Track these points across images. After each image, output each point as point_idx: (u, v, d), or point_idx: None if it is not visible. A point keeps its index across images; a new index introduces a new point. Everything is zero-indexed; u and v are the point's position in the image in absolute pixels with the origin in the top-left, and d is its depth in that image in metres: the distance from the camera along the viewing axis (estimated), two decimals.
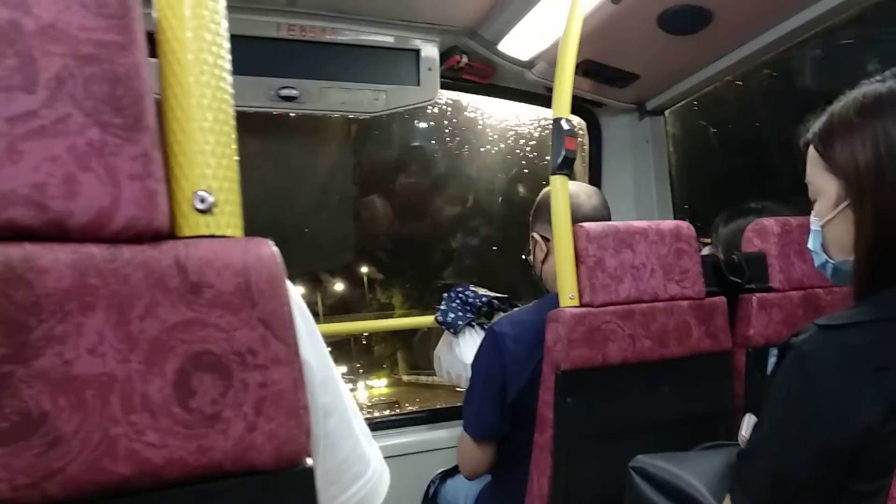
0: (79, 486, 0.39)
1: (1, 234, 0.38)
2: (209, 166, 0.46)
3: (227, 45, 0.48)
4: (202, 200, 0.45)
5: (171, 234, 0.44)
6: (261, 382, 0.44)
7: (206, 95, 0.46)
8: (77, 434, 0.39)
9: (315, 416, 0.52)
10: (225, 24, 0.48)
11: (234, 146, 0.47)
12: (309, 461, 0.46)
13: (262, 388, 0.44)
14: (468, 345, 1.88)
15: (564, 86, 1.39)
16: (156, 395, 0.41)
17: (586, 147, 2.36)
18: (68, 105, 0.40)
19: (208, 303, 0.42)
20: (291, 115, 1.96)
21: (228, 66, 0.48)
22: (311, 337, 0.53)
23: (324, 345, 0.55)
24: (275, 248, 0.46)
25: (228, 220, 0.46)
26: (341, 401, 0.56)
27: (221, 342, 0.42)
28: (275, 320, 0.44)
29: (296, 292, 0.54)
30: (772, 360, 1.51)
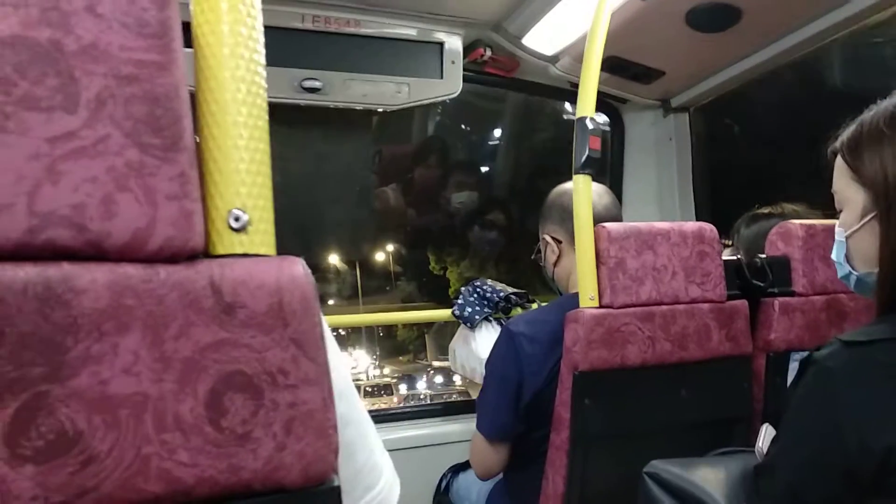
0: None
1: (41, 254, 0.38)
2: (244, 184, 0.46)
3: (264, 72, 0.48)
4: (237, 219, 0.45)
5: (205, 252, 0.44)
6: (291, 402, 0.44)
7: (241, 113, 0.46)
8: (111, 453, 0.39)
9: None
10: (261, 41, 0.48)
11: (268, 164, 0.47)
12: (336, 480, 0.46)
13: (292, 408, 0.44)
14: (484, 339, 1.88)
15: (590, 84, 1.38)
16: (188, 415, 0.41)
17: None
18: (108, 125, 0.40)
19: (241, 323, 0.42)
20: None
21: (265, 84, 0.48)
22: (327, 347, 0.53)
23: (339, 353, 0.55)
24: (307, 268, 0.46)
25: (262, 238, 0.47)
26: (357, 410, 0.56)
27: (253, 362, 0.43)
28: (306, 340, 0.44)
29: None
30: (793, 366, 1.50)
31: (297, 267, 0.45)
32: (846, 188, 0.94)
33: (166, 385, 0.41)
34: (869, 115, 0.91)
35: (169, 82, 0.41)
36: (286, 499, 0.44)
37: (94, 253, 0.40)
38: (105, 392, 0.39)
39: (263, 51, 0.48)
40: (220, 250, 0.45)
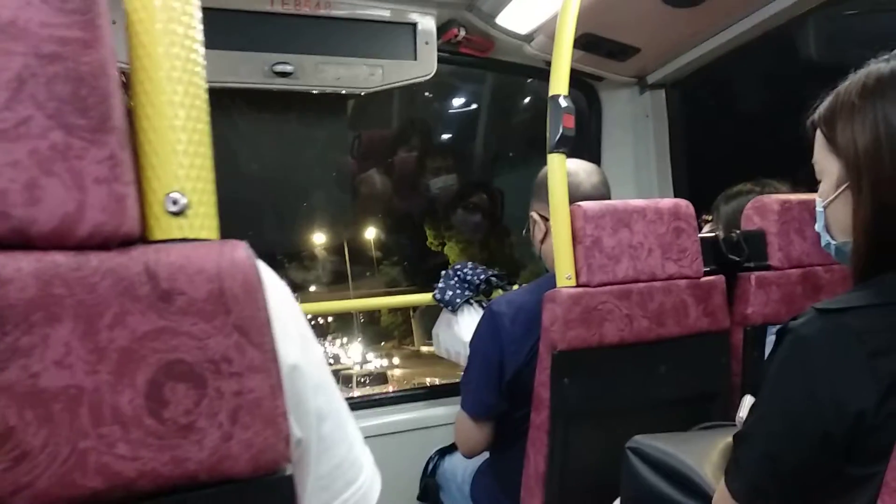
0: (48, 500, 0.38)
1: None
2: (182, 166, 0.44)
3: (202, 49, 0.45)
4: (175, 202, 0.44)
5: (142, 237, 0.43)
6: (236, 391, 0.43)
7: (177, 92, 0.44)
8: (45, 448, 0.38)
9: (308, 421, 0.51)
10: (198, 16, 0.46)
11: (208, 145, 0.46)
12: (288, 468, 0.45)
13: (237, 397, 0.43)
14: (467, 323, 1.88)
15: (562, 62, 1.37)
16: (126, 407, 0.40)
17: None
18: (30, 107, 0.38)
19: (180, 310, 0.41)
20: None
21: (202, 62, 0.46)
22: (302, 339, 0.51)
23: (317, 346, 0.54)
24: (250, 251, 0.44)
25: (202, 221, 0.45)
26: (335, 404, 0.55)
27: (194, 351, 0.41)
28: (250, 326, 0.43)
29: (288, 292, 0.52)
30: (770, 339, 1.50)
31: (239, 251, 0.44)
32: (823, 159, 0.95)
33: (102, 376, 0.39)
34: (843, 86, 0.92)
35: (94, 60, 0.39)
36: (235, 489, 0.43)
37: (20, 241, 0.38)
38: (36, 385, 0.38)
39: (200, 27, 0.46)
40: (159, 235, 0.44)
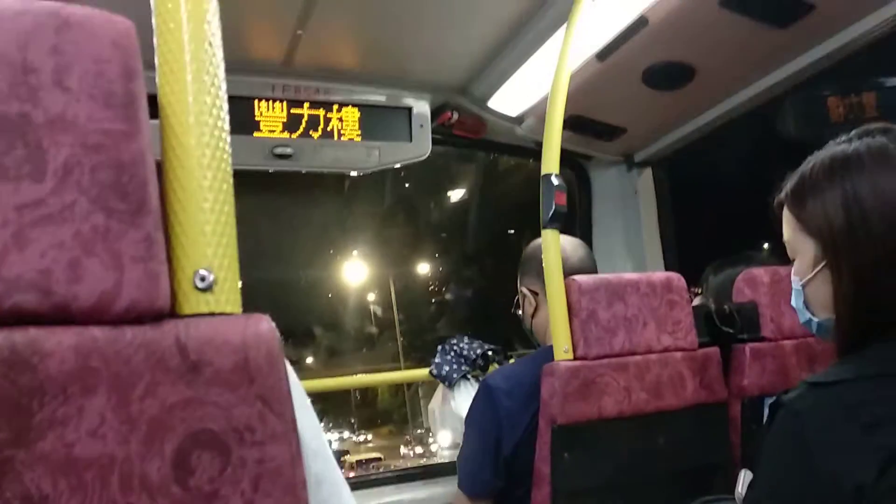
0: None
1: (7, 319, 0.39)
2: (210, 245, 0.47)
3: (228, 128, 0.49)
4: (202, 279, 0.46)
5: (171, 312, 0.45)
6: (258, 459, 0.44)
7: (207, 178, 0.47)
8: None
9: (307, 486, 0.52)
10: (225, 108, 0.49)
11: (233, 225, 0.49)
12: None
13: (259, 465, 0.44)
14: (464, 398, 1.87)
15: (553, 143, 1.42)
16: (154, 475, 0.41)
17: None
18: (75, 192, 0.41)
19: (207, 381, 0.43)
20: None
21: (229, 149, 0.49)
22: (301, 407, 0.53)
23: (314, 413, 0.56)
24: (272, 324, 0.47)
25: (228, 296, 0.47)
26: (332, 470, 0.56)
27: (220, 420, 0.43)
28: (272, 396, 0.45)
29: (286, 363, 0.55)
30: (767, 411, 1.51)
31: (263, 324, 0.46)
32: (795, 238, 0.96)
33: (133, 446, 0.41)
34: (808, 167, 0.94)
35: (135, 149, 0.43)
36: None
37: (61, 316, 0.40)
38: (70, 455, 0.39)
39: (227, 117, 0.50)
40: (187, 310, 0.46)
